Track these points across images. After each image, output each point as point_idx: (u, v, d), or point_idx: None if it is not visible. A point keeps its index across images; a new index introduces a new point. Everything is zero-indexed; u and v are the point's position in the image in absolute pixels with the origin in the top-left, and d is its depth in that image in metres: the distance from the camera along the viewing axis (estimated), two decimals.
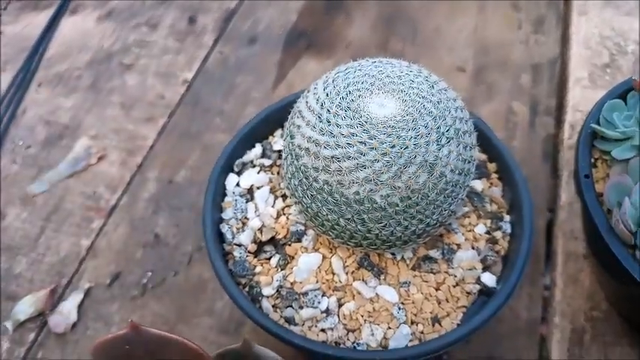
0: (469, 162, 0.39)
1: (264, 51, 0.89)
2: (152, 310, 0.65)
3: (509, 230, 0.48)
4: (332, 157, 0.37)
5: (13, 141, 0.80)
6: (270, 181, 0.50)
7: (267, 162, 0.51)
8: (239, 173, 0.50)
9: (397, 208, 0.37)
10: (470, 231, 0.48)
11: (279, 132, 0.54)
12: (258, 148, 0.52)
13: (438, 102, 0.38)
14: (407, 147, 0.36)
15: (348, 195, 0.37)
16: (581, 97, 0.81)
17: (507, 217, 0.48)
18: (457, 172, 0.38)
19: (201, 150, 0.77)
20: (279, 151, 0.52)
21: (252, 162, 0.51)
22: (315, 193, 0.39)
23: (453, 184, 0.38)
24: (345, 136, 0.37)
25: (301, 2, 0.96)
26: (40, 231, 0.72)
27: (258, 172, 0.50)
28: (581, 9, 0.92)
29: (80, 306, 0.65)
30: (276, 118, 0.54)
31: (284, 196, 0.49)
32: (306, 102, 0.40)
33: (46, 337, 0.64)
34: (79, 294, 0.66)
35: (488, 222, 0.48)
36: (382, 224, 0.38)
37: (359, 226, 0.39)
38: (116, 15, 0.95)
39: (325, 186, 0.38)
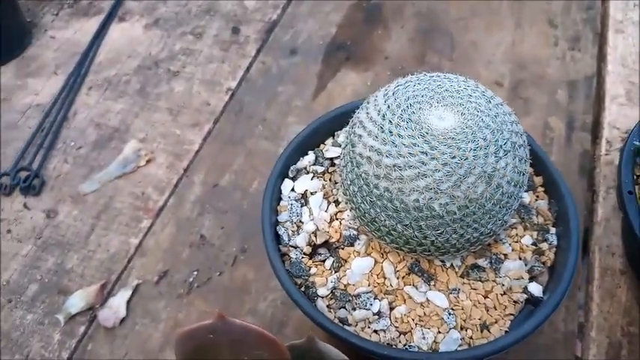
0: (523, 174, 0.41)
1: (304, 62, 0.92)
2: (198, 308, 0.67)
3: (555, 242, 0.49)
4: (393, 165, 0.39)
5: (65, 141, 0.84)
6: (323, 187, 0.52)
7: (319, 169, 0.53)
8: (294, 179, 0.53)
9: (455, 216, 0.39)
10: (517, 242, 0.49)
11: (329, 141, 0.56)
12: (311, 156, 0.54)
13: (495, 116, 0.40)
14: (467, 158, 0.38)
15: (408, 202, 0.39)
16: (618, 114, 0.82)
17: (553, 230, 0.50)
18: (512, 183, 0.40)
19: (245, 155, 0.80)
20: (331, 158, 0.54)
21: (305, 168, 0.53)
22: (374, 199, 0.41)
23: (508, 196, 0.40)
24: (407, 146, 0.39)
25: (341, 15, 0.99)
26: (91, 229, 0.74)
27: (312, 179, 0.52)
28: (618, 27, 0.93)
29: (129, 302, 0.68)
30: (327, 128, 0.56)
31: (336, 202, 0.51)
32: (367, 113, 0.42)
33: (96, 330, 0.66)
34: (128, 290, 0.69)
35: (535, 234, 0.50)
36: (439, 231, 0.40)
37: (416, 233, 0.41)
38: (163, 23, 0.99)
39: (385, 193, 0.40)
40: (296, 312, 0.65)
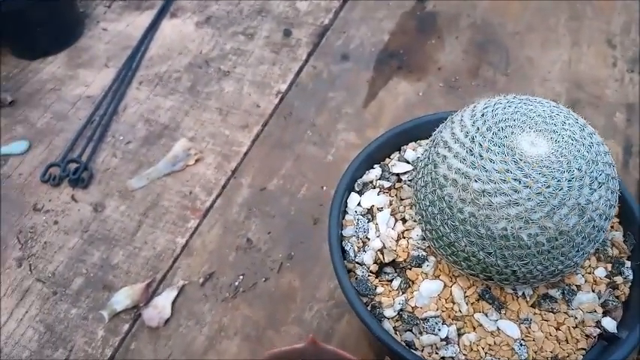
0: (613, 207, 0.39)
1: (355, 68, 0.91)
2: (243, 313, 0.66)
3: (631, 277, 0.47)
4: (483, 191, 0.38)
5: (114, 135, 0.83)
6: (390, 203, 0.51)
7: (386, 184, 0.52)
8: (360, 193, 0.52)
9: (542, 247, 0.38)
10: (590, 273, 0.48)
11: (396, 155, 0.55)
12: (377, 170, 0.53)
13: (590, 145, 0.38)
14: (561, 188, 0.36)
15: (495, 230, 0.38)
16: None
17: (629, 263, 0.48)
18: (604, 217, 0.38)
19: (293, 160, 0.79)
20: (397, 174, 0.53)
21: (372, 182, 0.52)
22: (457, 223, 0.39)
23: (598, 229, 0.38)
24: (498, 172, 0.37)
25: (394, 22, 0.97)
26: (138, 225, 0.74)
27: (378, 194, 0.51)
28: None
29: (174, 302, 0.67)
30: (393, 142, 0.55)
31: (404, 220, 0.50)
32: (453, 133, 0.41)
33: (140, 329, 0.66)
34: (174, 290, 0.68)
35: (609, 266, 0.48)
36: (524, 262, 0.39)
37: (498, 261, 0.39)
38: (214, 21, 0.98)
39: (471, 218, 0.38)
40: (340, 324, 0.64)
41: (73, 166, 0.79)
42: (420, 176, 0.43)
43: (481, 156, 0.38)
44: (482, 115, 0.40)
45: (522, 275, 0.40)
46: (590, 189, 0.37)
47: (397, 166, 0.53)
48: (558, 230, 0.37)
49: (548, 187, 0.36)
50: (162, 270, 0.70)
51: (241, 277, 0.69)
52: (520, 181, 0.37)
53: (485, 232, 0.38)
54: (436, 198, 0.40)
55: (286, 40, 0.95)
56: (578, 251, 0.39)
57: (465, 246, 0.40)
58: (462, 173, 0.39)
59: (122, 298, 0.68)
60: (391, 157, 0.55)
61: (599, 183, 0.38)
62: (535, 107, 0.40)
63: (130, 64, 0.91)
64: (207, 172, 0.78)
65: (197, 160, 0.79)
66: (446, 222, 0.40)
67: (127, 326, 0.66)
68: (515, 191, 0.37)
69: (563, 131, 0.39)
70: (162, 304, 0.67)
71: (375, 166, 0.54)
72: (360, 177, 0.53)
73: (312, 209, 0.73)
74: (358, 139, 0.80)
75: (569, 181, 0.37)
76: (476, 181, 0.38)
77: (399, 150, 0.55)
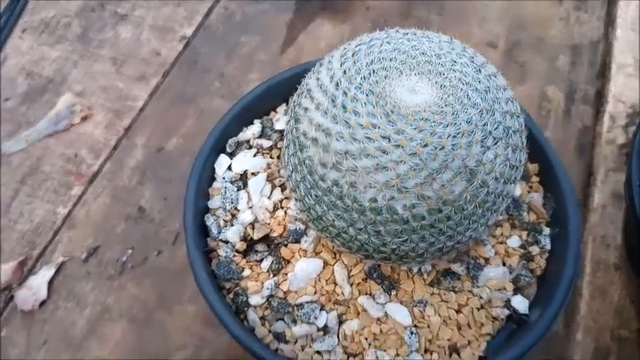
0: (516, 168, 0.31)
1: (273, 9, 0.80)
2: (130, 292, 0.58)
3: (548, 246, 0.40)
4: (345, 152, 0.29)
5: None
6: (269, 166, 0.42)
7: (266, 143, 0.43)
8: (232, 155, 0.43)
9: (423, 222, 0.30)
10: (501, 243, 0.40)
11: (282, 108, 0.46)
12: (257, 126, 0.44)
13: (485, 91, 0.30)
14: (443, 147, 0.28)
15: (363, 201, 0.30)
16: (624, 87, 0.72)
17: (547, 230, 0.41)
18: (502, 180, 0.30)
19: (197, 116, 0.70)
20: (282, 131, 0.44)
21: (248, 142, 0.43)
22: (320, 194, 0.31)
23: (496, 195, 0.31)
24: (364, 128, 0.29)
25: None
26: (14, 194, 0.65)
27: (255, 155, 0.42)
28: None
29: (51, 282, 0.59)
30: (280, 91, 0.46)
31: (283, 186, 0.41)
32: (318, 79, 0.32)
33: (12, 313, 0.58)
34: (51, 268, 0.60)
35: (524, 234, 0.41)
36: (402, 239, 0.31)
37: (372, 238, 0.31)
38: None
39: (334, 187, 0.30)
40: None
41: None
42: (285, 136, 0.35)
43: (344, 107, 0.29)
44: (354, 54, 0.31)
45: (404, 254, 0.32)
46: (482, 147, 0.29)
47: (282, 121, 0.44)
48: (442, 200, 0.29)
49: (426, 145, 0.28)
50: (41, 245, 0.61)
51: (130, 250, 0.61)
52: (390, 139, 0.28)
53: (352, 204, 0.30)
54: (298, 162, 0.32)
55: None
56: (470, 223, 0.31)
57: (333, 220, 0.32)
58: (323, 130, 0.30)
59: None
60: (277, 110, 0.46)
61: (495, 139, 0.29)
62: (420, 43, 0.31)
63: (12, 9, 0.79)
64: (96, 132, 0.68)
65: (84, 118, 0.69)
66: (309, 192, 0.32)
67: None
68: (384, 152, 0.28)
69: (451, 73, 0.30)
70: (38, 284, 0.59)
71: (255, 121, 0.45)
72: (235, 135, 0.43)
73: None
74: None
75: (454, 137, 0.28)
76: (337, 139, 0.29)
77: (288, 102, 0.46)
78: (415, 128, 0.28)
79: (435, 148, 0.28)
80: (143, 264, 0.60)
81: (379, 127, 0.29)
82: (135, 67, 0.74)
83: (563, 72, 0.74)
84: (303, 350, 0.36)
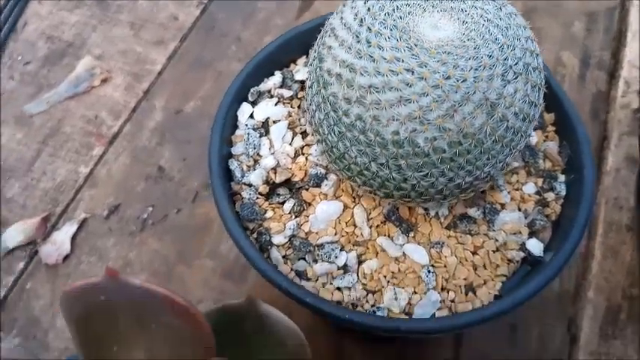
0: (535, 106, 0.32)
1: None
2: (151, 247, 0.60)
3: (563, 192, 0.41)
4: (369, 86, 0.30)
5: (12, 56, 0.74)
6: (290, 115, 0.43)
7: (287, 93, 0.44)
8: (254, 103, 0.44)
9: (444, 155, 0.31)
10: (517, 189, 0.41)
11: (302, 60, 0.46)
12: (277, 77, 0.45)
13: (506, 28, 0.31)
14: (465, 80, 0.29)
15: (385, 135, 0.31)
16: None
17: (562, 177, 0.41)
18: (521, 116, 0.31)
19: (214, 80, 0.70)
20: (302, 81, 0.45)
21: (269, 92, 0.44)
22: (344, 129, 0.32)
23: (514, 132, 0.31)
24: (387, 61, 0.30)
25: None
26: (36, 154, 0.66)
27: (276, 104, 0.43)
28: None
29: (74, 237, 0.61)
30: (301, 43, 0.46)
31: (304, 134, 0.42)
32: (342, 18, 0.33)
33: (36, 267, 0.59)
34: (74, 224, 0.61)
35: (540, 181, 0.41)
36: (422, 173, 0.32)
37: (393, 174, 0.32)
38: None
39: (357, 122, 0.31)
40: None
41: None
42: (308, 76, 0.36)
43: (369, 42, 0.30)
44: None
45: (424, 190, 0.33)
46: (503, 80, 0.30)
47: (302, 72, 0.45)
48: (462, 133, 0.30)
49: (448, 78, 0.29)
50: (63, 203, 0.63)
51: (150, 208, 0.62)
52: (413, 72, 0.29)
53: (375, 138, 0.31)
54: (321, 100, 0.33)
55: None
56: (489, 159, 0.32)
57: (356, 157, 0.33)
58: (347, 66, 0.31)
59: (15, 234, 0.60)
60: (297, 62, 0.46)
61: (515, 73, 0.30)
62: None
63: None
64: (116, 94, 0.70)
65: (104, 81, 0.70)
66: (332, 129, 0.33)
67: (22, 264, 0.59)
68: (408, 85, 0.29)
69: (473, 10, 0.31)
70: (61, 239, 0.60)
71: (276, 72, 0.46)
72: (257, 85, 0.44)
73: None
74: None
75: (476, 70, 0.29)
76: (362, 74, 0.30)
77: (308, 54, 0.47)
78: (438, 61, 0.29)
79: (457, 81, 0.29)
80: (163, 221, 0.61)
81: (403, 61, 0.29)
82: (153, 31, 0.75)
83: (578, 38, 0.74)
84: (324, 287, 0.37)
